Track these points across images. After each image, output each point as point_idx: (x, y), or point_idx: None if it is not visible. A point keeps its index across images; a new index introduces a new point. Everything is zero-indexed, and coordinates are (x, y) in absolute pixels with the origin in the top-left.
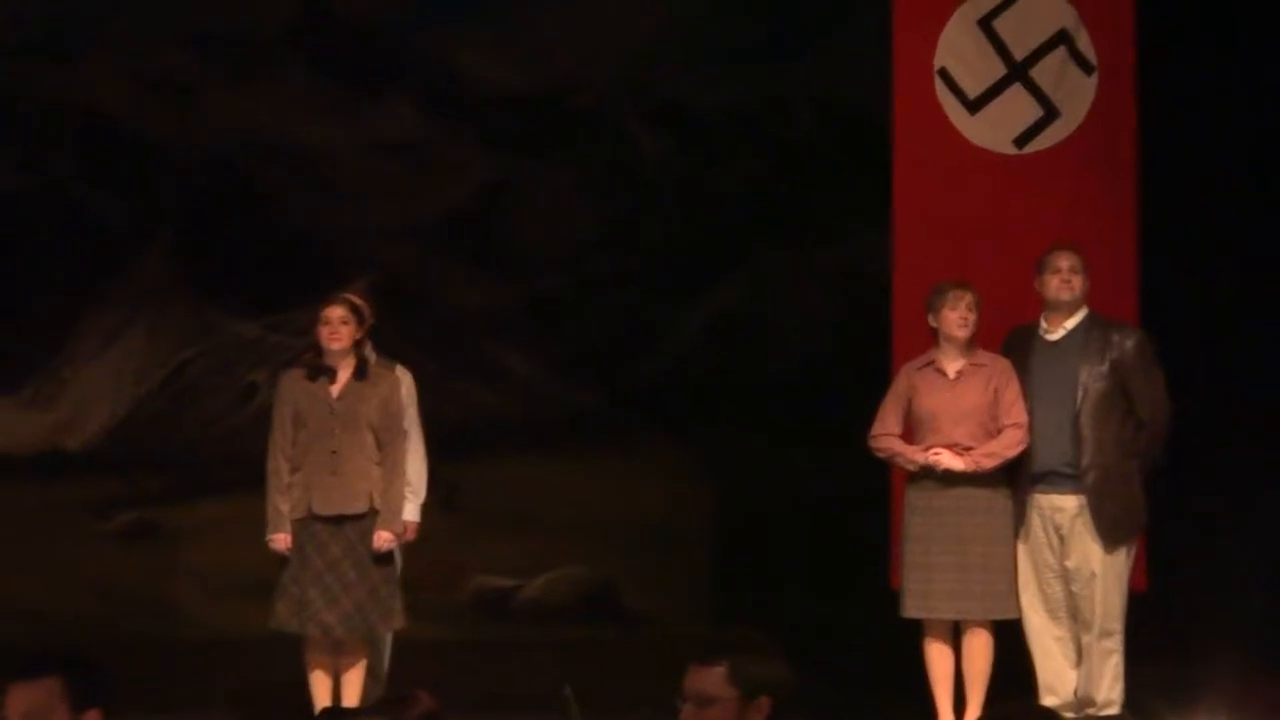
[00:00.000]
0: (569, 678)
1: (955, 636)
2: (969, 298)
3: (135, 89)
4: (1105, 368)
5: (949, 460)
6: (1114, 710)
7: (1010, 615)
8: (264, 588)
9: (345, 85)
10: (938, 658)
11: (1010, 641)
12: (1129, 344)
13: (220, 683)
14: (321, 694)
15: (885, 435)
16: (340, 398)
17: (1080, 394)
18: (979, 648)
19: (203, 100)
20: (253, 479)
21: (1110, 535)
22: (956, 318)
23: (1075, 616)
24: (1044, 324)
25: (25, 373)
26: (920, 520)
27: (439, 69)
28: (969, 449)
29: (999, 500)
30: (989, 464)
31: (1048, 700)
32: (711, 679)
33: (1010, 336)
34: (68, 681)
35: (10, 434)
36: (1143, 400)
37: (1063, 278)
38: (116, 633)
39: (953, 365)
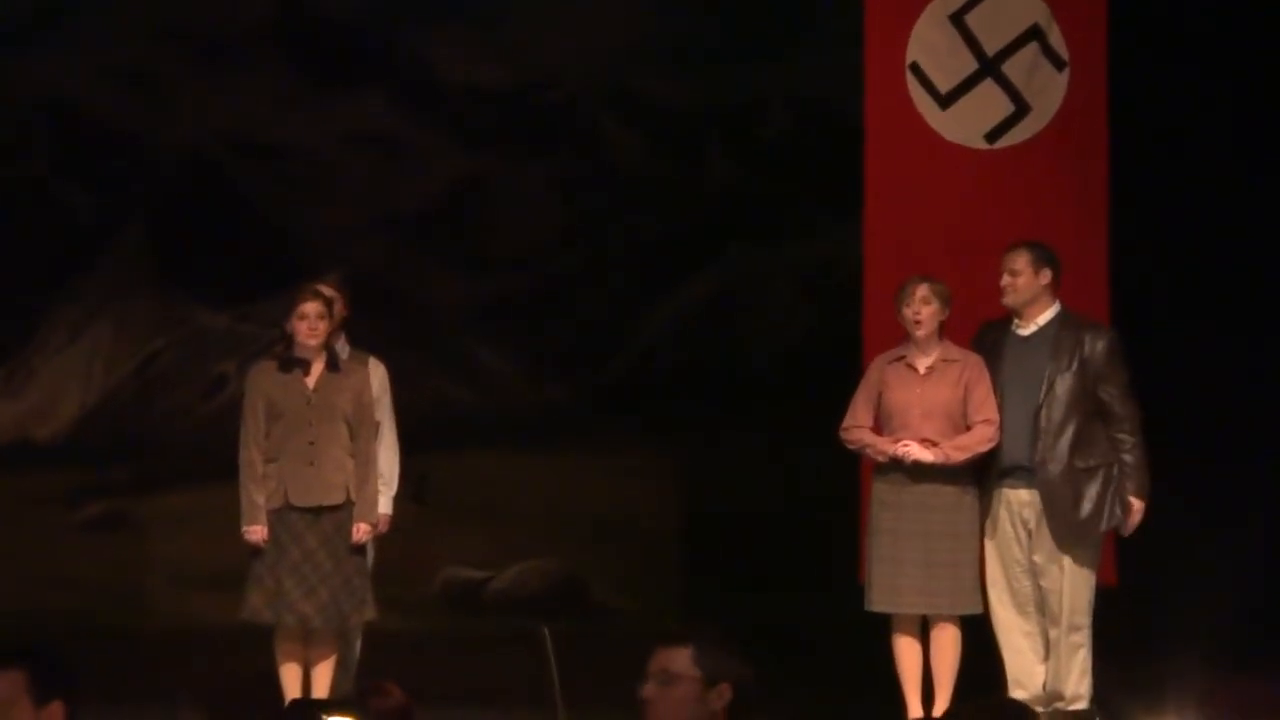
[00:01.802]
0: (536, 670)
1: (923, 631)
2: (921, 290)
3: (106, 81)
4: (1074, 367)
5: (918, 452)
6: (1082, 705)
7: (975, 610)
8: (233, 579)
9: (318, 79)
10: (906, 652)
11: (978, 636)
12: (1100, 344)
13: (188, 674)
14: (292, 685)
15: (856, 428)
16: (316, 389)
17: (1044, 389)
18: (947, 642)
19: (175, 93)
20: (222, 470)
21: (1059, 533)
22: (910, 313)
23: (1043, 611)
24: (1016, 319)
25: None
26: (888, 515)
27: (413, 64)
28: (936, 445)
29: (966, 497)
30: (958, 457)
31: (1015, 694)
32: (678, 658)
33: (980, 332)
34: (31, 674)
35: None
36: (1114, 400)
37: (1004, 281)
38: (84, 623)
39: (924, 361)
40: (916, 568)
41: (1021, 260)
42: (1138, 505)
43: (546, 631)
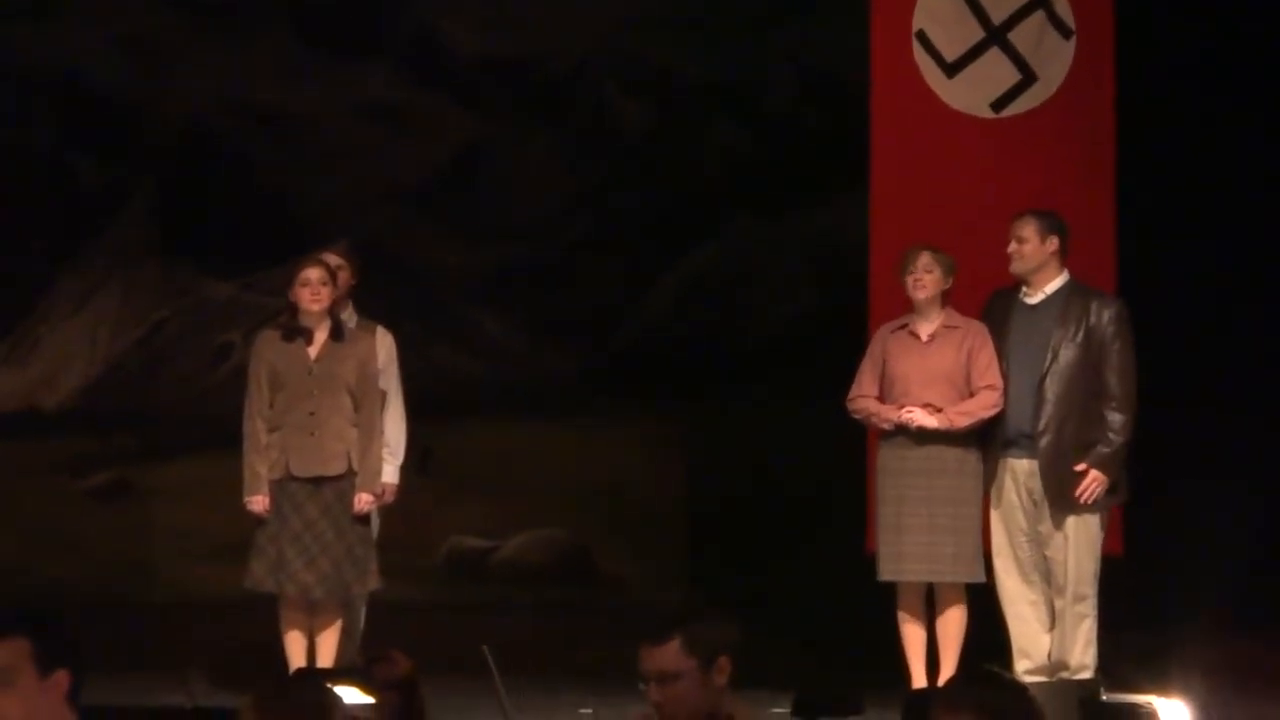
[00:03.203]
0: (541, 639)
1: (929, 602)
2: (923, 259)
3: (112, 51)
4: (1079, 336)
5: (922, 418)
6: (1087, 674)
7: (978, 579)
8: (238, 548)
9: (324, 49)
10: (910, 623)
11: (984, 605)
12: (1106, 313)
13: (193, 643)
14: (296, 654)
15: (861, 397)
16: (318, 359)
17: (1049, 358)
18: (951, 613)
19: (180, 62)
20: (227, 439)
21: (1059, 502)
22: (911, 280)
23: (1049, 580)
24: (1024, 287)
25: (1, 331)
26: (891, 482)
27: (418, 34)
28: (940, 410)
29: (969, 463)
30: (962, 423)
31: (1021, 664)
32: (668, 655)
33: (990, 300)
34: (35, 642)
35: None
36: (1113, 370)
37: (1010, 248)
38: (89, 592)
39: (926, 328)
40: (920, 534)
41: (1029, 228)
42: (1096, 476)
43: (487, 649)
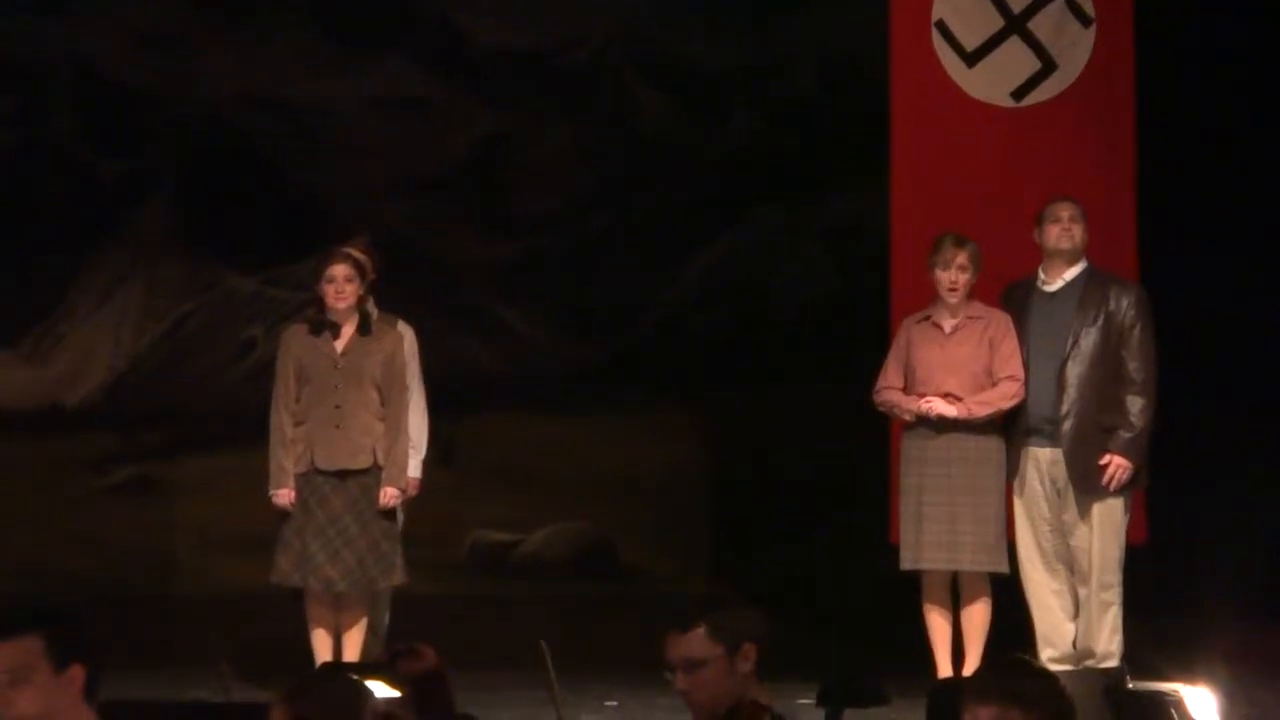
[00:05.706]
0: (566, 632)
1: (954, 592)
2: (961, 257)
3: (133, 44)
4: (1099, 322)
5: (942, 407)
6: (1112, 663)
7: (999, 569)
8: (261, 543)
9: (344, 41)
10: (936, 613)
11: (1009, 594)
12: (1126, 299)
13: (218, 638)
14: (322, 648)
15: (886, 388)
16: (345, 353)
17: (1070, 343)
18: (976, 603)
19: (201, 56)
20: (251, 434)
21: (1083, 487)
22: (947, 280)
23: (1073, 569)
24: (1042, 275)
25: (24, 328)
26: (914, 470)
27: (438, 26)
28: (960, 400)
29: (989, 451)
30: (981, 412)
31: (1045, 653)
32: (694, 642)
33: (1007, 291)
34: (48, 638)
35: (9, 389)
36: (1132, 355)
37: (1063, 227)
38: (114, 588)
39: (949, 320)
40: (939, 523)
41: (1079, 210)
42: (1120, 462)
43: (544, 645)
